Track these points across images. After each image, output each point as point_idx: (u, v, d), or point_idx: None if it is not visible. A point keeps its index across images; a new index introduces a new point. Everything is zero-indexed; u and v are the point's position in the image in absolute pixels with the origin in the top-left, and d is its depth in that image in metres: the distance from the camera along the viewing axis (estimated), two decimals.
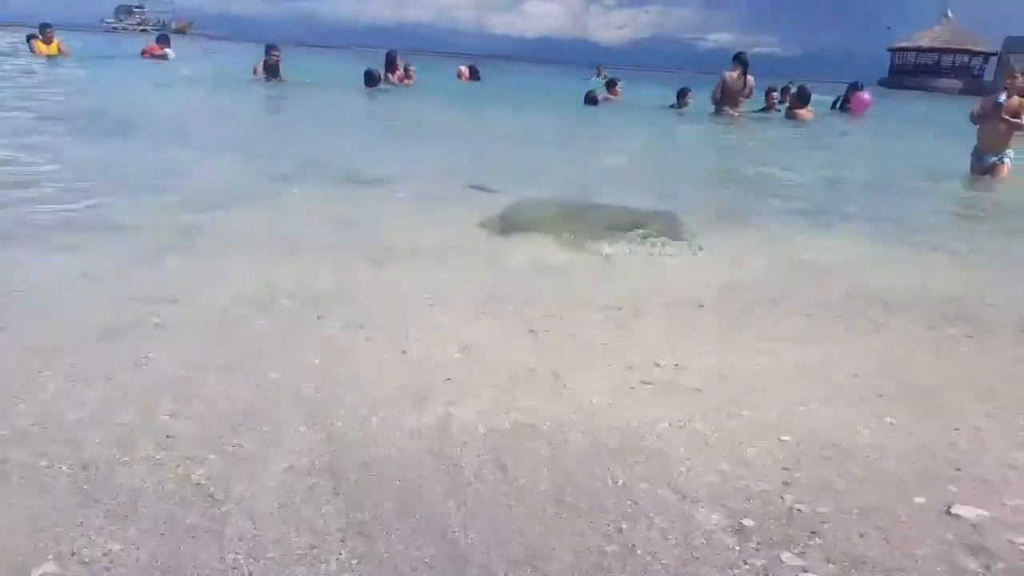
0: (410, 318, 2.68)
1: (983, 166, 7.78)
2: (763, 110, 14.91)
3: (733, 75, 12.89)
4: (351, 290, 2.95)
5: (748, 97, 13.15)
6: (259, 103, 11.98)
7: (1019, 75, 7.66)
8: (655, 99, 16.41)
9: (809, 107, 14.39)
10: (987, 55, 66.57)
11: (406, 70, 17.11)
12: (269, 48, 14.56)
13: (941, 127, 16.15)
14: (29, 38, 17.00)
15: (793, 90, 14.82)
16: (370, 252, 3.56)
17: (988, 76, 64.89)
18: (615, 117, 13.64)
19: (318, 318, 2.62)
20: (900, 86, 61.56)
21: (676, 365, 2.42)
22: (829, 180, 7.36)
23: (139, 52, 18.82)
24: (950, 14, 67.30)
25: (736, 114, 13.08)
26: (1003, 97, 7.47)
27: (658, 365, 2.42)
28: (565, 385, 2.22)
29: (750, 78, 12.88)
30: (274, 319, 2.60)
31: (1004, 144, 7.67)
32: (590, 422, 2.01)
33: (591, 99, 15.21)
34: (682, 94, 14.92)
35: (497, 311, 2.83)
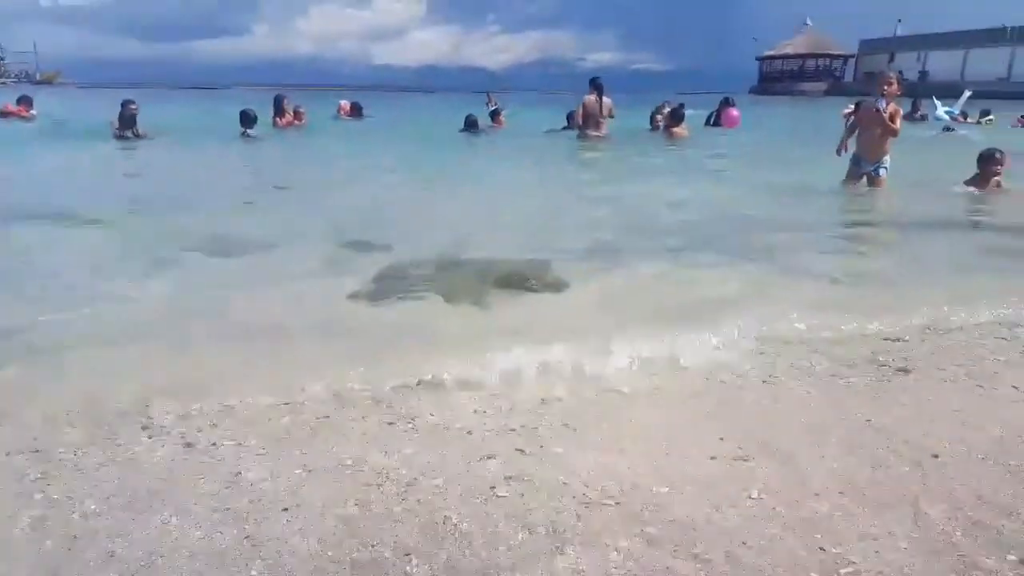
0: (256, 427, 2.45)
1: (860, 171, 7.81)
2: (652, 129, 15.43)
3: (591, 99, 13.32)
4: (190, 395, 2.66)
5: (609, 118, 13.55)
6: (113, 164, 11.02)
7: (895, 81, 7.66)
8: (541, 123, 16.54)
9: (684, 124, 14.92)
10: (846, 57, 71.34)
11: (296, 113, 16.69)
12: (125, 102, 13.58)
13: (811, 132, 16.88)
14: None
15: (667, 110, 15.37)
16: (222, 341, 3.31)
17: (848, 77, 69.33)
18: (498, 148, 13.65)
19: (149, 438, 2.37)
20: (770, 92, 64.94)
21: (539, 456, 2.29)
22: (704, 207, 7.30)
23: None
24: (809, 22, 71.59)
25: (600, 135, 13.49)
26: (883, 103, 7.50)
27: (523, 452, 2.30)
28: (415, 502, 2.05)
29: (607, 100, 13.33)
30: (80, 449, 2.33)
31: (881, 151, 7.69)
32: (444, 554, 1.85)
33: (471, 123, 15.28)
34: (571, 117, 15.25)
35: (358, 403, 2.64)
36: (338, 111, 21.34)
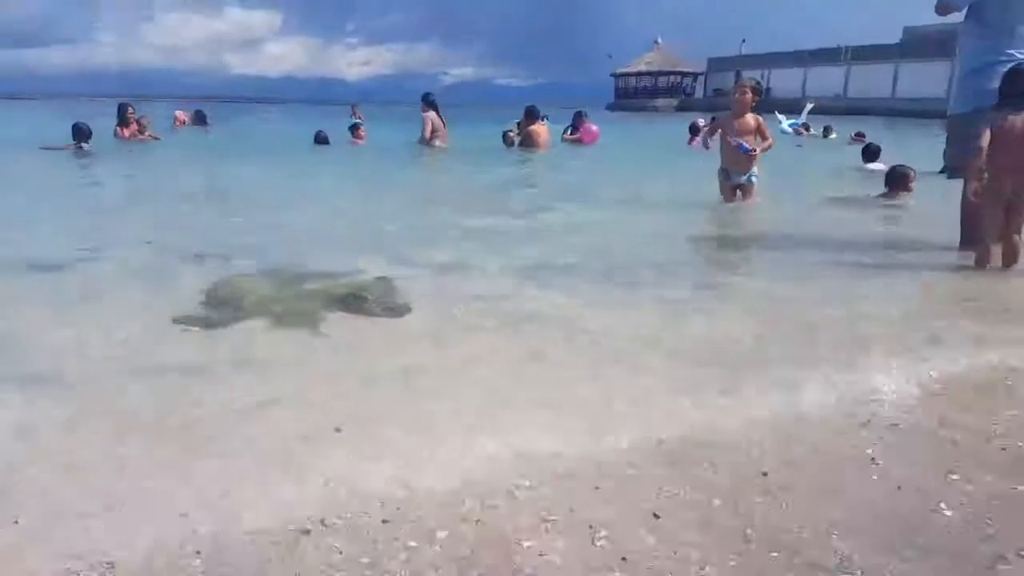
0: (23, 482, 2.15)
1: (732, 183, 7.50)
2: (507, 145, 15.33)
3: (434, 114, 14.68)
4: None
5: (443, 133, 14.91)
6: None
7: (749, 89, 7.32)
8: (400, 137, 16.24)
9: (543, 123, 15.03)
10: (696, 75, 75.17)
11: (138, 124, 15.68)
12: None
13: (667, 146, 17.24)
14: None
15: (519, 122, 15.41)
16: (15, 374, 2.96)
17: (698, 93, 73.14)
18: (350, 163, 13.26)
19: None
20: (625, 108, 67.48)
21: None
22: (565, 226, 6.90)
23: None
24: (660, 40, 74.97)
25: (445, 147, 14.72)
26: (732, 116, 7.32)
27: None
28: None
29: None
30: None
31: (748, 162, 7.35)
32: None
33: (322, 138, 15.10)
34: (505, 136, 15.39)
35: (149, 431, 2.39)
36: (174, 122, 20.32)
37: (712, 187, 7.86)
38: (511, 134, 15.48)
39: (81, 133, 13.10)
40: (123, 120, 15.33)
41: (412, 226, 6.83)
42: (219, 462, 2.29)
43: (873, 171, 10.39)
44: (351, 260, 5.04)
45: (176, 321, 3.70)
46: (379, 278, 4.50)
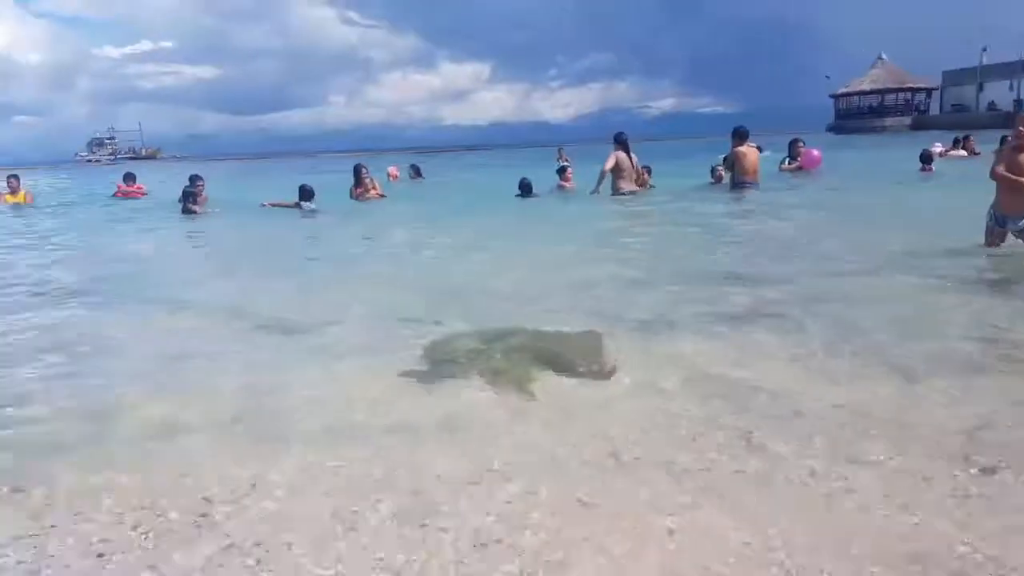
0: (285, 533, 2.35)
1: (1005, 230, 6.36)
2: (713, 182, 14.70)
3: (622, 154, 13.13)
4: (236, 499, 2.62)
5: (638, 175, 13.48)
6: (176, 240, 11.40)
7: None
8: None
9: (751, 144, 13.69)
10: (929, 90, 68.86)
11: (365, 184, 16.75)
12: (193, 178, 14.31)
13: (899, 180, 15.17)
14: None
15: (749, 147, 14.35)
16: (260, 431, 3.32)
17: (934, 110, 66.94)
18: (553, 212, 13.08)
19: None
20: (849, 130, 63.00)
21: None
22: (790, 270, 6.42)
23: (112, 193, 18.80)
24: (884, 56, 69.60)
25: (636, 191, 13.31)
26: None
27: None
28: None
29: (634, 156, 13.28)
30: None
31: None
32: None
33: (525, 186, 14.73)
34: (713, 170, 14.80)
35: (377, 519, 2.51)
36: (388, 177, 21.62)
37: (960, 228, 6.94)
38: (719, 170, 14.69)
39: (305, 193, 14.24)
40: (358, 180, 16.44)
41: (613, 280, 6.54)
42: (420, 532, 2.39)
43: None
44: (555, 316, 5.08)
45: (400, 381, 3.93)
46: (583, 336, 4.50)
